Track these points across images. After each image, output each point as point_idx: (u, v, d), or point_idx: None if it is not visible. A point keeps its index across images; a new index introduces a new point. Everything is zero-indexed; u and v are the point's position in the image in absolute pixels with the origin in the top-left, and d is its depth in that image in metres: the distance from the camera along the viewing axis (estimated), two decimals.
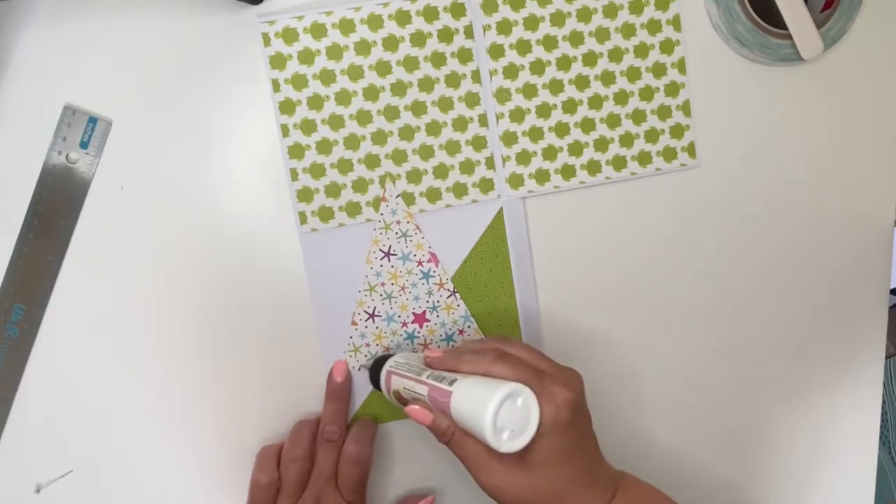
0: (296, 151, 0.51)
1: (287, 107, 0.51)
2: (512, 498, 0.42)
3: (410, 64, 0.51)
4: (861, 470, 0.60)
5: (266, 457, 0.50)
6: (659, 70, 0.53)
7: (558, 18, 0.52)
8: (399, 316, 0.53)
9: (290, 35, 0.50)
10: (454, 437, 0.42)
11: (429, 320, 0.54)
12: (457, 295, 0.54)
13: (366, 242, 0.53)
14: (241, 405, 0.53)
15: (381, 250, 0.53)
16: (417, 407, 0.43)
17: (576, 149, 0.53)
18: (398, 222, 0.52)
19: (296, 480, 0.49)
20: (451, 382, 0.41)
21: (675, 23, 0.53)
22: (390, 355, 0.50)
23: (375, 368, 0.50)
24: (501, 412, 0.38)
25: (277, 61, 0.50)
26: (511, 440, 0.39)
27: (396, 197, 0.52)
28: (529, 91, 0.52)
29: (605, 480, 0.43)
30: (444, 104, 0.52)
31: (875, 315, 0.59)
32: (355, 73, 0.51)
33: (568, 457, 0.41)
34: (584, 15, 0.52)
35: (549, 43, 0.52)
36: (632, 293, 0.56)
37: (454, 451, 0.43)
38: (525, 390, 0.39)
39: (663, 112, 0.54)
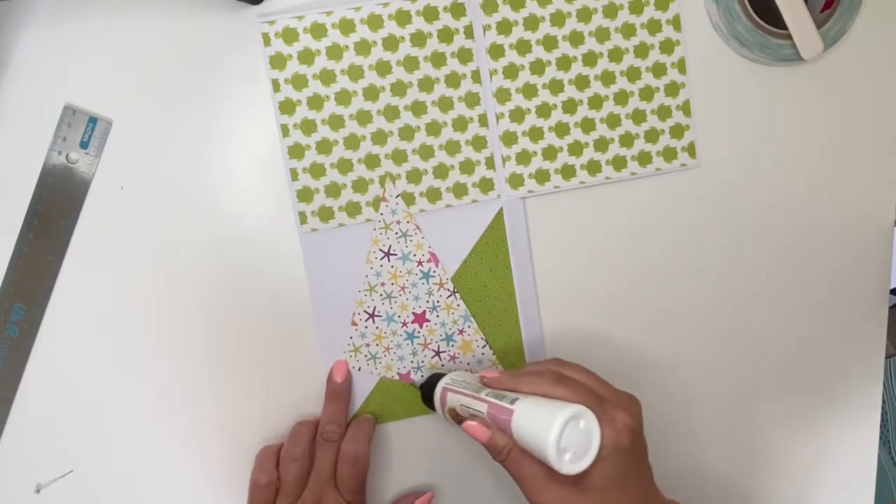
0: (296, 151, 0.51)
1: (287, 107, 0.51)
2: None
3: (410, 64, 0.51)
4: (861, 470, 0.60)
5: (265, 457, 0.50)
6: (659, 70, 0.53)
7: (558, 18, 0.52)
8: (399, 316, 0.53)
9: (290, 35, 0.50)
10: (511, 456, 0.42)
11: (429, 320, 0.54)
12: (457, 295, 0.54)
13: (366, 242, 0.53)
14: (241, 405, 0.53)
15: (381, 250, 0.53)
16: (475, 423, 0.43)
17: (576, 149, 0.53)
18: (398, 222, 0.52)
19: (295, 480, 0.49)
20: (513, 401, 0.42)
21: (675, 23, 0.53)
22: (443, 373, 0.50)
23: (429, 385, 0.51)
24: (565, 433, 0.38)
25: (277, 61, 0.50)
26: (572, 462, 0.39)
27: (396, 197, 0.52)
28: (529, 91, 0.52)
29: None
30: (444, 104, 0.52)
31: (875, 315, 0.59)
32: (355, 73, 0.51)
33: (624, 483, 0.41)
34: (584, 15, 0.52)
35: (549, 43, 0.52)
36: (632, 293, 0.56)
37: (509, 470, 0.43)
38: (588, 413, 0.39)
39: (663, 112, 0.54)
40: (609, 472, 0.40)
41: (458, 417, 0.47)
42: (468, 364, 0.54)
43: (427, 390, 0.51)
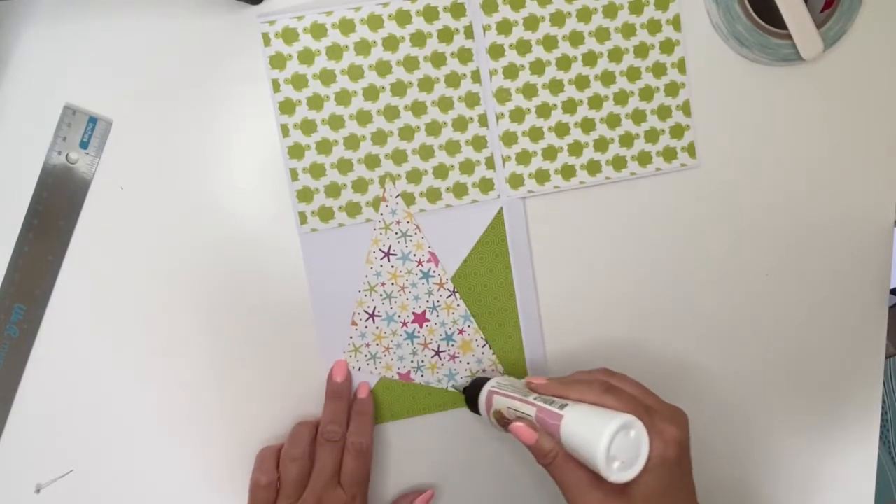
0: (296, 151, 0.51)
1: (287, 107, 0.51)
2: None
3: (410, 64, 0.51)
4: (861, 470, 0.60)
5: (265, 458, 0.50)
6: (659, 70, 0.53)
7: (558, 18, 0.52)
8: (399, 316, 0.53)
9: (290, 35, 0.50)
10: (556, 460, 0.42)
11: (429, 320, 0.54)
12: (456, 295, 0.54)
13: (366, 242, 0.53)
14: (241, 405, 0.53)
15: (381, 250, 0.53)
16: (522, 425, 0.43)
17: (576, 149, 0.53)
18: (398, 222, 0.52)
19: (296, 480, 0.49)
20: (563, 406, 0.42)
21: (675, 23, 0.53)
22: (487, 378, 0.51)
23: (473, 389, 0.51)
24: (615, 441, 0.39)
25: (277, 61, 0.50)
26: (621, 471, 0.39)
27: (396, 197, 0.52)
28: (529, 91, 0.52)
29: None
30: (444, 104, 0.52)
31: (875, 315, 0.59)
32: (355, 73, 0.51)
33: (668, 495, 0.41)
34: (584, 15, 0.52)
35: (549, 43, 0.52)
36: (632, 293, 0.56)
37: (553, 474, 0.43)
38: (638, 423, 0.40)
39: (663, 112, 0.54)
40: (654, 483, 0.41)
41: (503, 420, 0.47)
42: (468, 364, 0.54)
43: (472, 393, 0.51)
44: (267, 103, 0.51)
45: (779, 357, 0.58)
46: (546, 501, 0.57)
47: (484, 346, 0.54)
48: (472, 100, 0.52)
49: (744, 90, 0.55)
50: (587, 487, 0.41)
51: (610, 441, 0.38)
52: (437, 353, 0.54)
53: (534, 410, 0.44)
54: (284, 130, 0.51)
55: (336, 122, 0.51)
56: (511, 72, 0.52)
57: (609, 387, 0.43)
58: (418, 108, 0.52)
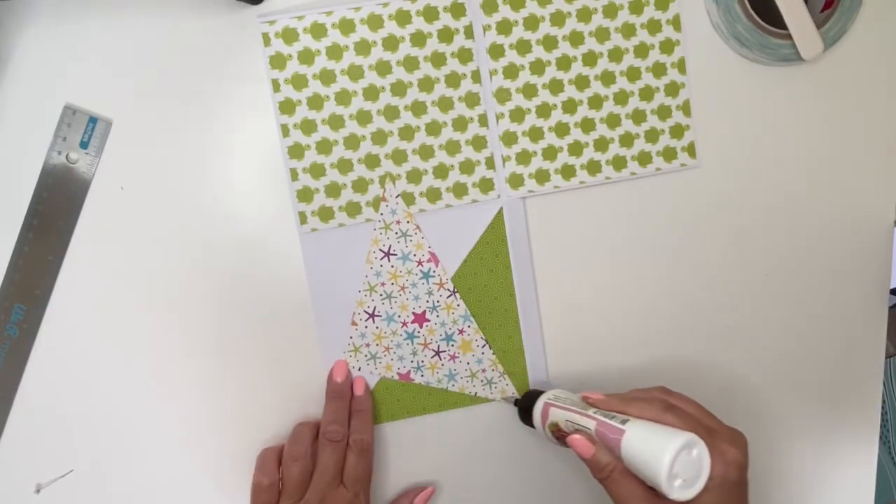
0: (296, 151, 0.51)
1: (287, 107, 0.51)
2: None
3: (410, 64, 0.51)
4: (861, 470, 0.60)
5: (266, 458, 0.50)
6: (659, 70, 0.53)
7: (558, 18, 0.52)
8: (399, 316, 0.53)
9: (290, 35, 0.50)
10: (613, 475, 0.42)
11: (429, 320, 0.54)
12: (457, 295, 0.54)
13: (366, 242, 0.53)
14: (242, 406, 0.53)
15: (381, 250, 0.53)
16: (581, 437, 0.43)
17: (576, 149, 0.53)
18: (398, 222, 0.52)
19: (298, 480, 0.49)
20: (624, 422, 0.42)
21: (675, 23, 0.53)
22: (542, 391, 0.51)
23: (528, 400, 0.51)
24: (679, 459, 0.39)
25: (277, 61, 0.50)
26: (682, 489, 0.40)
27: (396, 197, 0.52)
28: (529, 91, 0.53)
29: None
30: (444, 104, 0.52)
31: (875, 315, 0.59)
32: (355, 73, 0.51)
33: None
34: (584, 15, 0.52)
35: (549, 43, 0.52)
36: (632, 293, 0.56)
37: (608, 488, 0.43)
38: (700, 443, 0.40)
39: (663, 112, 0.54)
40: (712, 503, 0.41)
41: (560, 433, 0.47)
42: (468, 364, 0.54)
43: (525, 404, 0.51)
44: (267, 103, 0.51)
45: (778, 357, 0.58)
46: (546, 499, 0.57)
47: (484, 346, 0.54)
48: (472, 100, 0.52)
49: (744, 90, 0.55)
50: (643, 503, 0.41)
51: (674, 458, 0.39)
52: (437, 353, 0.54)
53: (594, 424, 0.44)
54: (284, 130, 0.51)
55: (336, 122, 0.51)
56: (511, 72, 0.52)
57: (669, 405, 0.43)
58: (418, 108, 0.52)
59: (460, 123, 0.52)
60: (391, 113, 0.51)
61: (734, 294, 0.57)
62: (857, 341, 0.59)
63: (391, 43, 0.51)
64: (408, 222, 0.53)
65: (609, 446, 0.42)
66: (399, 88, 0.51)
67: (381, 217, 0.52)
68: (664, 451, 0.39)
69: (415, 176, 0.52)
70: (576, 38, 0.52)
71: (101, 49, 0.49)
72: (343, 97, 0.51)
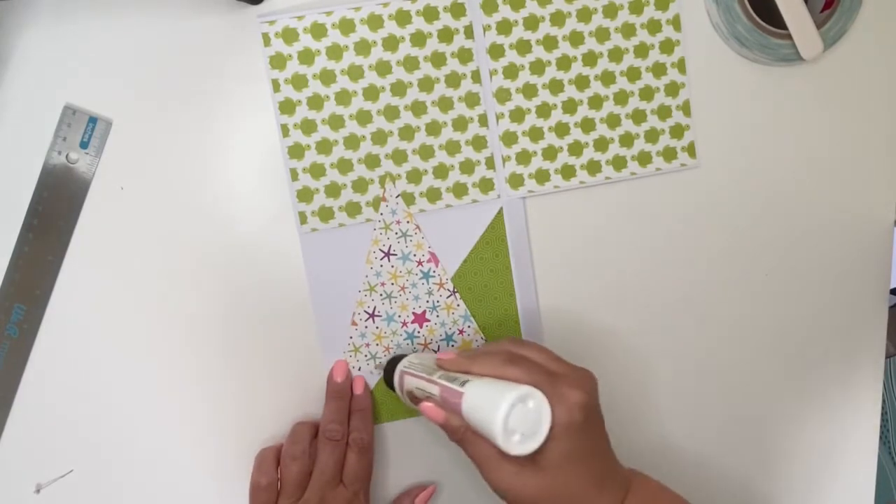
0: (296, 151, 0.51)
1: (287, 107, 0.51)
2: (522, 499, 0.41)
3: (410, 64, 0.51)
4: (861, 470, 0.60)
5: (265, 459, 0.50)
6: (659, 70, 0.53)
7: (558, 18, 0.52)
8: (399, 316, 0.53)
9: (290, 35, 0.50)
10: (465, 437, 0.42)
11: (429, 320, 0.54)
12: (457, 295, 0.54)
13: (366, 242, 0.53)
14: (242, 406, 0.53)
15: (381, 250, 0.53)
16: (431, 405, 0.43)
17: (576, 149, 0.53)
18: (398, 222, 0.52)
19: (296, 479, 0.49)
20: (463, 383, 0.41)
21: (675, 23, 0.53)
22: (405, 355, 0.50)
23: (390, 368, 0.50)
24: (512, 415, 0.38)
25: (277, 61, 0.50)
26: (522, 443, 0.38)
27: (396, 197, 0.52)
28: (529, 91, 0.52)
29: (617, 481, 0.43)
30: (444, 104, 0.52)
31: (875, 315, 0.59)
32: (355, 73, 0.51)
33: (580, 459, 0.41)
34: (584, 15, 0.52)
35: (549, 43, 0.52)
36: (632, 293, 0.56)
37: (465, 451, 0.43)
38: (536, 393, 0.39)
39: (663, 112, 0.54)
40: (563, 449, 0.40)
41: (416, 400, 0.46)
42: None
43: (388, 373, 0.50)
44: (267, 103, 0.51)
45: (778, 357, 0.58)
46: None
47: None
48: (472, 100, 0.52)
49: (744, 90, 0.55)
50: (497, 461, 0.41)
51: (506, 415, 0.37)
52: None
53: (437, 390, 0.43)
54: (284, 130, 0.51)
55: (336, 122, 0.51)
56: (511, 72, 0.52)
57: (512, 356, 0.42)
58: (418, 108, 0.52)
59: (460, 123, 0.52)
60: (391, 113, 0.51)
61: (734, 294, 0.57)
62: (857, 341, 0.59)
63: (391, 43, 0.51)
64: (408, 222, 0.53)
65: (453, 411, 0.41)
66: (399, 88, 0.51)
67: (381, 217, 0.52)
68: (495, 410, 0.38)
69: (415, 176, 0.52)
70: (576, 39, 0.52)
71: (101, 49, 0.49)
72: (343, 97, 0.51)
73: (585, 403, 0.41)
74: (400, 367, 0.49)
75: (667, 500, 0.44)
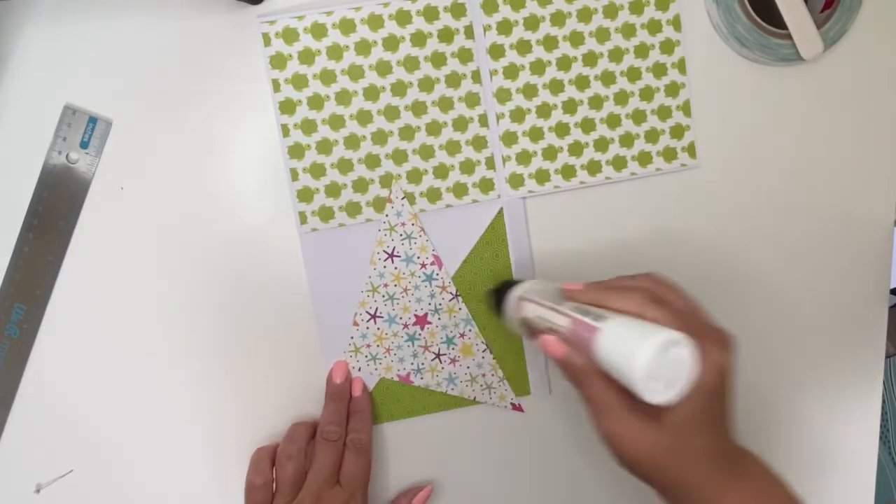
0: (296, 151, 0.51)
1: (287, 107, 0.51)
2: (632, 451, 0.38)
3: (410, 64, 0.51)
4: (861, 470, 0.60)
5: (260, 458, 0.50)
6: (659, 70, 0.53)
7: (558, 18, 0.52)
8: (401, 317, 0.53)
9: (290, 35, 0.50)
10: (586, 377, 0.38)
11: (430, 322, 0.54)
12: (459, 298, 0.54)
13: (366, 242, 0.52)
14: (241, 406, 0.53)
15: (385, 251, 0.53)
16: (552, 338, 0.39)
17: (576, 149, 0.53)
18: (403, 224, 0.52)
19: (292, 479, 0.48)
20: (599, 318, 0.37)
21: (675, 23, 0.53)
22: (516, 281, 0.46)
23: (499, 292, 0.47)
24: (657, 360, 0.34)
25: (277, 61, 0.50)
26: (660, 392, 0.35)
27: (402, 199, 0.52)
28: (530, 91, 0.52)
29: (732, 460, 0.40)
30: (445, 104, 0.52)
31: (875, 315, 0.59)
32: (355, 73, 0.51)
33: (705, 424, 0.38)
34: (585, 15, 0.52)
35: (550, 43, 0.52)
36: None
37: (581, 391, 0.39)
38: (685, 341, 0.35)
39: (663, 112, 0.54)
40: (693, 409, 0.37)
41: (531, 330, 0.43)
42: (468, 368, 0.54)
43: (498, 297, 0.47)
44: (267, 103, 0.51)
45: (778, 357, 0.58)
46: (545, 500, 0.57)
47: (484, 350, 0.54)
48: (472, 100, 0.52)
49: (744, 90, 0.55)
50: (617, 407, 0.37)
51: (652, 357, 0.34)
52: (438, 356, 0.54)
53: (568, 321, 0.39)
54: (284, 130, 0.51)
55: (336, 122, 0.51)
56: (511, 72, 0.52)
57: (655, 297, 0.38)
58: (418, 108, 0.52)
59: (460, 123, 0.52)
60: (391, 113, 0.51)
61: (733, 294, 0.57)
62: (857, 341, 0.59)
63: (391, 43, 0.51)
64: (412, 224, 0.53)
65: (583, 346, 0.38)
66: (399, 88, 0.51)
67: (386, 218, 0.52)
68: (640, 351, 0.34)
69: (415, 176, 0.52)
70: (576, 39, 0.52)
71: (101, 49, 0.49)
72: (343, 97, 0.51)
73: (726, 367, 0.38)
74: (517, 291, 0.45)
75: (778, 497, 0.40)
